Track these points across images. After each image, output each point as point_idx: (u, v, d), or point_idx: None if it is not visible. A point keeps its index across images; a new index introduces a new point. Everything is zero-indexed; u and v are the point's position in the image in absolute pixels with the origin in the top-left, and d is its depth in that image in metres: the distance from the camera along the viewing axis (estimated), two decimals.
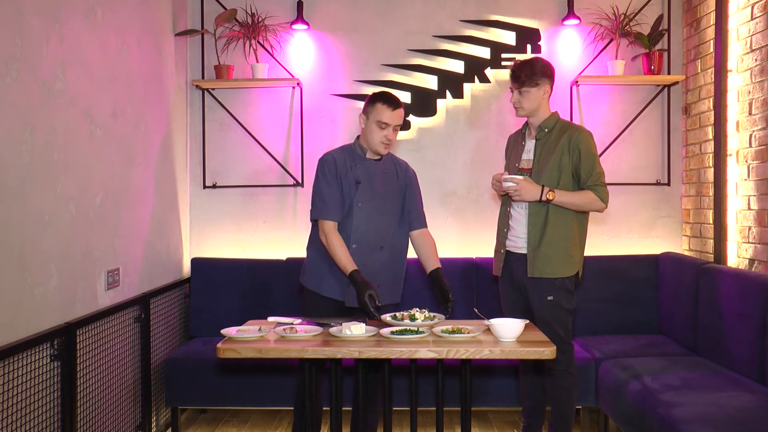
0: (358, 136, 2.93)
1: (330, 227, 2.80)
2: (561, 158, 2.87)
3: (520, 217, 2.94)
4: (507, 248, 2.99)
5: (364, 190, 2.83)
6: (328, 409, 2.74)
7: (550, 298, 2.87)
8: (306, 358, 2.36)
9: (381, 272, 2.87)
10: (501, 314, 2.98)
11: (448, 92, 4.14)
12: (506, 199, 3.01)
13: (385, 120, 2.78)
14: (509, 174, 2.91)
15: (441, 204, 4.16)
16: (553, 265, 2.86)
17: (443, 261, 3.92)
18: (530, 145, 2.99)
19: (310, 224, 3.01)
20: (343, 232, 2.82)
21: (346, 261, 2.73)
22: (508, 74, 2.97)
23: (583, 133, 2.91)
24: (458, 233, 4.14)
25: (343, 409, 2.83)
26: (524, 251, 2.92)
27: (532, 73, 2.86)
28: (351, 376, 3.24)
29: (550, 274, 2.86)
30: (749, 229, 3.28)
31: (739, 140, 3.39)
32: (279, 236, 4.15)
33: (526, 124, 3.04)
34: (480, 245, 4.03)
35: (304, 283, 2.95)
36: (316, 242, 2.89)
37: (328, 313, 2.79)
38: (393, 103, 2.80)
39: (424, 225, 3.01)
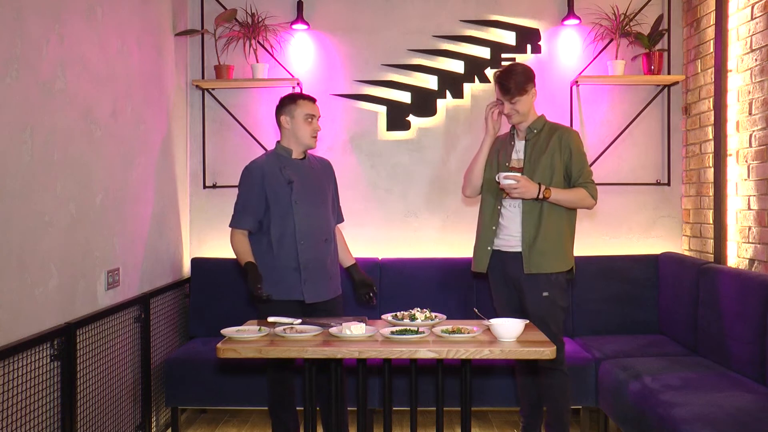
0: (278, 141, 3.03)
1: (238, 237, 2.95)
2: (553, 157, 2.93)
3: (512, 215, 2.97)
4: (496, 247, 3.01)
5: (299, 188, 2.92)
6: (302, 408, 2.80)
7: (545, 294, 2.91)
8: (306, 358, 2.36)
9: (331, 265, 3.00)
10: (495, 313, 3.01)
11: (448, 92, 4.15)
12: (494, 197, 3.03)
13: (311, 112, 2.94)
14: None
15: (441, 204, 4.16)
16: (550, 260, 2.90)
17: (443, 261, 3.98)
18: (520, 145, 3.03)
19: None
20: (286, 231, 2.89)
21: (244, 253, 2.89)
22: (494, 86, 3.00)
23: (573, 133, 3.00)
24: (457, 233, 4.14)
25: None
26: (518, 249, 2.94)
27: (520, 82, 2.92)
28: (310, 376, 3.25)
29: (547, 269, 2.90)
30: (749, 229, 3.28)
31: (739, 140, 3.39)
32: None
33: (513, 126, 3.08)
34: None
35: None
36: (258, 251, 2.93)
37: (289, 316, 2.78)
38: (311, 97, 3.00)
39: (342, 220, 3.22)
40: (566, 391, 2.97)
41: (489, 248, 3.02)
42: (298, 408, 3.08)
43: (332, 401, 2.52)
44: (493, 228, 3.01)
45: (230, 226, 2.99)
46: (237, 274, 3.94)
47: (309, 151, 3.08)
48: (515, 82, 2.91)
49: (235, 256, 2.97)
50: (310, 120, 2.94)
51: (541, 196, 2.85)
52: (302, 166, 2.99)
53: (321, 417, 3.02)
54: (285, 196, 2.90)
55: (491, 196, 3.04)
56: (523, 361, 3.05)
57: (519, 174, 2.87)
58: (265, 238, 2.92)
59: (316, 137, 2.98)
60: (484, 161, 3.07)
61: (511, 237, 2.97)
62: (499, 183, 2.90)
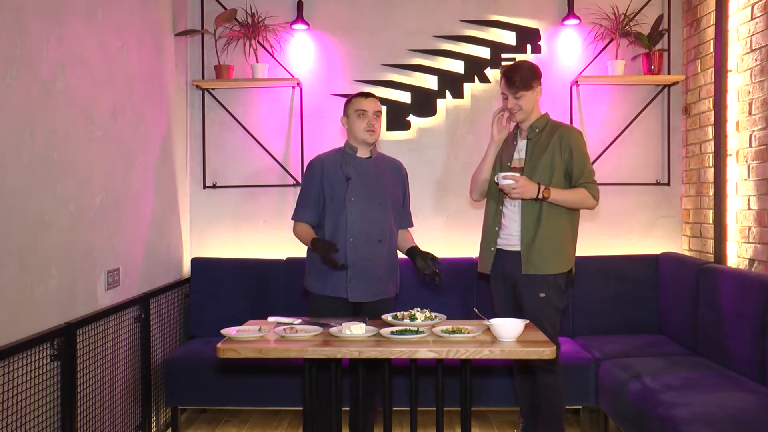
0: (347, 141, 3.05)
1: (300, 226, 3.00)
2: (553, 157, 2.91)
3: (512, 215, 2.97)
4: (499, 246, 3.01)
5: (356, 185, 2.91)
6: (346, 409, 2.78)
7: (542, 295, 2.90)
8: (306, 358, 2.36)
9: (382, 265, 2.96)
10: (494, 313, 3.00)
11: (448, 92, 4.15)
12: (496, 198, 3.03)
13: (363, 107, 2.94)
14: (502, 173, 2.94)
15: (441, 204, 4.16)
16: (548, 261, 2.89)
17: (442, 261, 3.95)
18: (522, 144, 3.02)
19: None
20: (338, 227, 2.89)
21: (307, 235, 2.93)
22: (500, 80, 3.01)
23: (574, 132, 2.97)
24: (458, 233, 4.14)
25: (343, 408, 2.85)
26: (518, 248, 2.94)
27: (526, 77, 2.92)
28: (348, 376, 3.24)
29: (545, 270, 2.89)
30: (749, 229, 3.28)
31: (739, 140, 3.39)
32: (279, 236, 4.14)
33: (517, 125, 3.07)
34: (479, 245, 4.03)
35: (307, 287, 3.01)
36: None
37: (335, 313, 2.82)
38: (366, 94, 3.02)
39: (411, 225, 3.17)
40: (559, 391, 2.97)
41: (492, 249, 3.03)
42: (344, 408, 3.03)
43: (332, 402, 2.52)
44: (496, 229, 3.02)
45: (292, 218, 3.04)
46: (237, 274, 3.95)
47: (381, 151, 3.10)
48: (521, 76, 2.91)
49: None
50: (361, 115, 2.93)
51: (540, 196, 2.84)
52: (365, 164, 2.98)
53: (350, 415, 3.01)
54: (341, 192, 2.91)
55: (494, 197, 3.04)
56: (520, 361, 3.05)
57: (518, 174, 2.87)
58: (321, 233, 2.94)
59: (371, 131, 2.93)
60: (491, 166, 3.06)
61: (511, 236, 2.98)
62: (498, 184, 2.90)
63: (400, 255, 3.11)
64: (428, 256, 2.95)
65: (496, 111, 3.04)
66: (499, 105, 4.07)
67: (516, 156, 3.02)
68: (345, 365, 3.04)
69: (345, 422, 3.09)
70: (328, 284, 2.90)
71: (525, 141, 3.01)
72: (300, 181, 4.12)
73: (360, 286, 2.89)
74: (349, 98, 3.02)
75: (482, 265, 3.09)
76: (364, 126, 2.93)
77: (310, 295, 2.99)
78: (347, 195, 2.89)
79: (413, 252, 3.01)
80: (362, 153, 3.00)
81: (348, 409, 3.06)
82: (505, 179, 2.83)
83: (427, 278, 2.98)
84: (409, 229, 3.16)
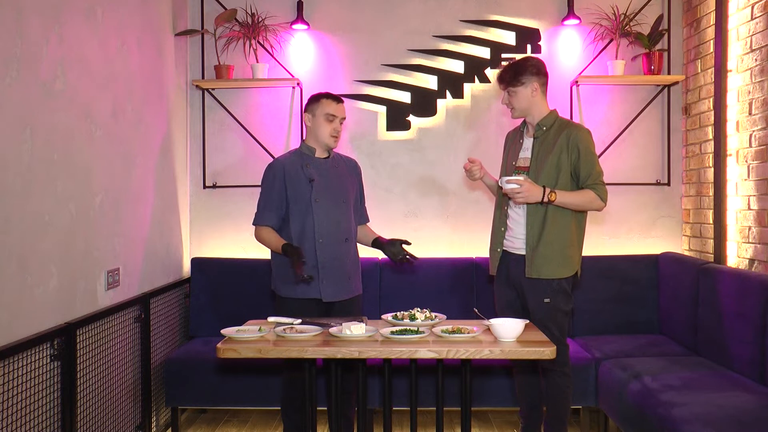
0: (303, 140, 3.06)
1: (264, 230, 2.97)
2: (559, 157, 2.84)
3: (518, 217, 2.93)
4: (504, 248, 2.99)
5: (319, 186, 2.93)
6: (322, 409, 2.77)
7: (546, 300, 2.87)
8: (306, 358, 2.36)
9: (351, 264, 2.99)
10: (495, 314, 2.99)
11: (448, 92, 4.14)
12: (503, 200, 2.99)
13: (332, 112, 2.96)
14: (507, 175, 2.90)
15: (441, 204, 4.16)
16: (552, 265, 2.85)
17: (443, 261, 3.98)
18: (528, 143, 2.97)
19: None
20: (305, 229, 2.90)
21: (276, 241, 2.87)
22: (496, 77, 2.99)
23: (582, 131, 2.88)
24: (458, 233, 4.14)
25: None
26: (523, 252, 2.90)
27: (517, 73, 2.87)
28: (323, 376, 3.28)
29: (549, 275, 2.85)
30: (749, 229, 3.28)
31: (739, 140, 3.39)
32: None
33: (524, 122, 3.02)
34: (479, 245, 4.03)
35: (276, 291, 2.99)
36: None
37: (307, 315, 2.80)
38: (337, 97, 3.02)
39: (368, 220, 3.23)
40: (567, 393, 2.95)
41: (498, 250, 3.01)
42: (320, 408, 3.06)
43: (333, 402, 2.52)
44: (502, 230, 2.99)
45: (253, 224, 3.01)
46: (237, 274, 3.95)
47: (336, 150, 3.11)
48: (511, 72, 2.87)
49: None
50: (330, 119, 2.95)
51: (545, 199, 2.76)
52: (325, 165, 3.00)
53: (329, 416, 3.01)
54: (305, 194, 2.91)
55: (501, 197, 3.00)
56: (522, 362, 3.04)
57: (522, 178, 2.77)
58: (285, 236, 2.93)
59: (336, 137, 2.98)
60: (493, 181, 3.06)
61: (515, 239, 2.94)
62: (502, 188, 2.83)
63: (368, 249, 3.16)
64: (397, 242, 2.98)
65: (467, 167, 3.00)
66: (498, 105, 4.10)
67: (522, 155, 2.97)
68: (319, 365, 3.04)
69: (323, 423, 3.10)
70: (299, 287, 2.89)
71: (532, 139, 2.95)
72: None
73: (332, 285, 2.90)
74: (316, 97, 3.01)
75: (492, 267, 3.06)
76: (330, 131, 2.96)
77: (279, 298, 2.97)
78: (312, 196, 2.90)
79: (380, 243, 3.04)
80: (320, 153, 3.02)
81: (324, 409, 3.06)
82: (509, 183, 2.75)
83: (402, 263, 2.99)
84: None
